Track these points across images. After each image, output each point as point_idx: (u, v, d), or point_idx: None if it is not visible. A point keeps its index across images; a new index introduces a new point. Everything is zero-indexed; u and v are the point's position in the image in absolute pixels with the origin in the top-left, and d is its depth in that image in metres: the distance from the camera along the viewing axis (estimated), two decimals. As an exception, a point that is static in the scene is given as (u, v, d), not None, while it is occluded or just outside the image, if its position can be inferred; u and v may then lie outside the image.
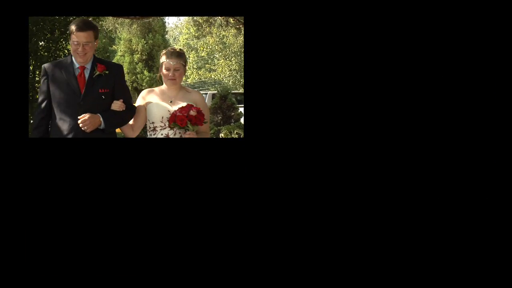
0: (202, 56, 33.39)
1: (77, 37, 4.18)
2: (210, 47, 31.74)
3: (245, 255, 3.67)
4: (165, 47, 28.56)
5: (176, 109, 4.34)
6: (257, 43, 3.77)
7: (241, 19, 14.01)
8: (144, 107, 4.51)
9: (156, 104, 4.46)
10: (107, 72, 4.30)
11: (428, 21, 3.66)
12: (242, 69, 30.85)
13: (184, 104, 4.38)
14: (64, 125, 4.17)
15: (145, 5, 3.71)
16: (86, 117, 4.15)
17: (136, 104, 4.55)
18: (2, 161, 3.65)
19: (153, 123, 4.44)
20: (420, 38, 3.67)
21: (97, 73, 4.27)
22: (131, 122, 4.49)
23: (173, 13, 3.73)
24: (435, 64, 3.67)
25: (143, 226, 3.67)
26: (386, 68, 3.72)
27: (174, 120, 4.28)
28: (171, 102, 4.46)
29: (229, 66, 32.01)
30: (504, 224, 3.61)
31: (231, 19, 14.72)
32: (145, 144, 3.88)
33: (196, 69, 33.34)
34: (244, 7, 3.76)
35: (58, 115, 4.22)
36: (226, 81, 31.54)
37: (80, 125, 4.13)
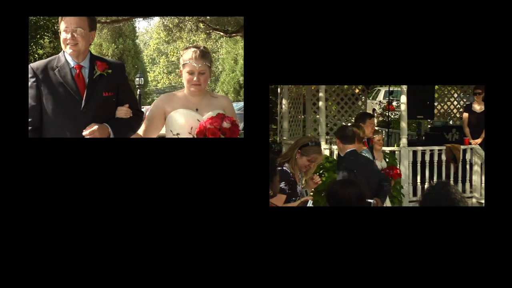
0: (173, 61, 33.46)
1: (66, 22, 3.51)
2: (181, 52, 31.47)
3: (244, 254, 3.54)
4: (135, 52, 28.91)
5: (205, 120, 3.64)
6: (256, 44, 3.67)
7: (211, 23, 14.01)
8: (162, 115, 3.79)
9: (182, 112, 3.74)
10: (109, 71, 3.60)
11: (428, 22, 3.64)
12: (211, 74, 31.40)
13: (212, 112, 3.73)
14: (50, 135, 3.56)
15: (146, 5, 3.59)
16: (94, 128, 3.50)
17: (150, 111, 3.88)
18: (2, 161, 3.49)
19: (178, 134, 3.74)
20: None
21: (98, 72, 3.56)
22: (140, 132, 3.82)
23: (174, 13, 3.61)
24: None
25: (143, 225, 3.53)
26: (384, 71, 3.69)
27: (204, 133, 3.57)
28: (197, 110, 3.77)
29: (199, 71, 32.24)
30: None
31: (201, 24, 14.59)
32: (145, 144, 3.68)
33: (167, 73, 33.17)
34: (244, 7, 3.65)
35: (54, 125, 3.55)
36: (197, 86, 31.55)
37: (88, 137, 3.50)
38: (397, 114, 13.26)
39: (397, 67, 3.67)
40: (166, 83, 32.22)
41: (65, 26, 3.53)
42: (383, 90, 20.29)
